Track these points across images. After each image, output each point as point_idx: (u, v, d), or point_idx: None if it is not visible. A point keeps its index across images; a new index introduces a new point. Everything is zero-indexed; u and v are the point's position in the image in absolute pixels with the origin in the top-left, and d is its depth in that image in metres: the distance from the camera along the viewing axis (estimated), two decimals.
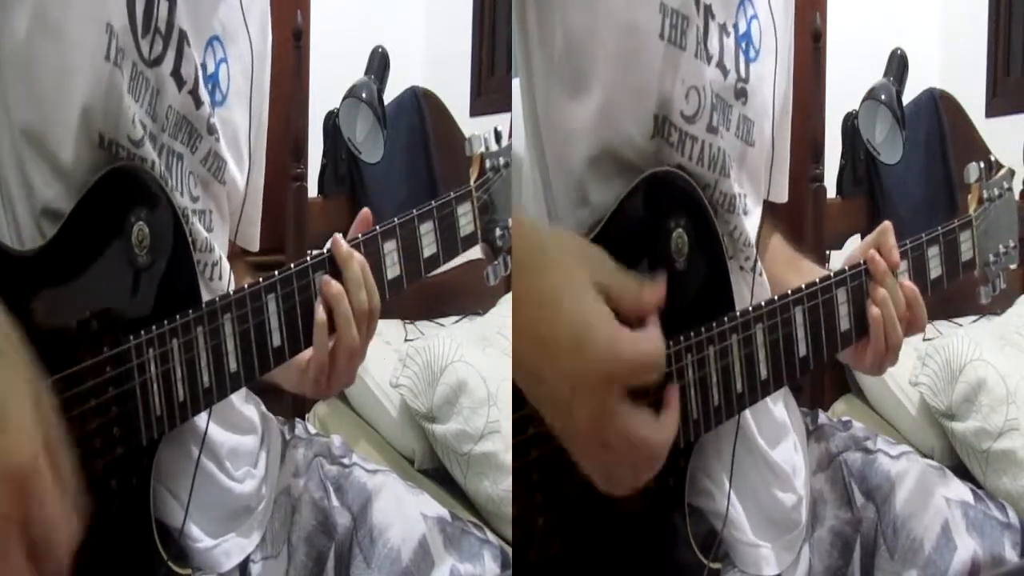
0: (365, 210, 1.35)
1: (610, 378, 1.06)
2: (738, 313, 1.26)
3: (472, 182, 1.47)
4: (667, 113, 1.24)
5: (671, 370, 1.21)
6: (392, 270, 1.36)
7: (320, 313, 1.29)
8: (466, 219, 1.45)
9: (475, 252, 1.50)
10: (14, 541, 0.95)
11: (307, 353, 1.33)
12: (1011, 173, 1.53)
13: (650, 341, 1.09)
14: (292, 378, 1.37)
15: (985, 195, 1.50)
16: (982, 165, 1.51)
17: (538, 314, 1.06)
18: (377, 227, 1.34)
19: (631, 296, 1.09)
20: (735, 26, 1.31)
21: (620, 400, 1.06)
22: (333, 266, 1.30)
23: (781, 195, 1.45)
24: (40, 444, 0.99)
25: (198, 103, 1.30)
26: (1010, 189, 1.53)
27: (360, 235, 1.32)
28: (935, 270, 1.43)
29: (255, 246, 1.47)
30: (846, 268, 1.35)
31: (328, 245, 1.31)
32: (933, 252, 1.43)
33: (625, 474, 1.12)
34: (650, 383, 1.10)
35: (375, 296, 1.32)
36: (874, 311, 1.34)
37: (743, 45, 1.32)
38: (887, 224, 1.39)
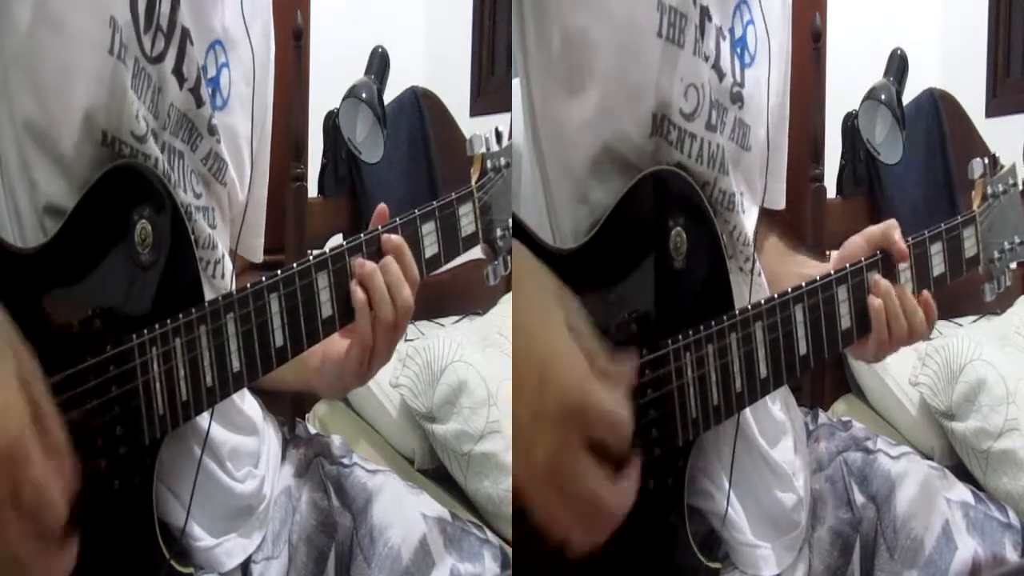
0: (382, 206, 1.35)
1: (573, 419, 1.04)
2: (737, 311, 1.26)
3: (473, 183, 1.47)
4: (666, 111, 1.24)
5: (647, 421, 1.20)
6: None
7: (359, 293, 1.30)
8: (467, 219, 1.45)
9: (475, 252, 1.50)
10: (7, 510, 1.03)
11: (316, 351, 1.34)
12: (1015, 169, 1.53)
13: (621, 406, 1.06)
14: (311, 379, 1.39)
15: (990, 191, 1.50)
16: (986, 161, 1.50)
17: (515, 338, 1.05)
18: (379, 227, 1.34)
19: (605, 358, 1.07)
20: (731, 30, 1.31)
21: (580, 447, 1.04)
22: (369, 251, 1.32)
23: (778, 202, 1.45)
24: (25, 418, 1.02)
25: (199, 102, 1.30)
26: (1015, 185, 1.52)
27: (363, 235, 1.33)
28: (938, 267, 1.43)
29: (258, 257, 1.47)
30: (847, 266, 1.35)
31: (329, 244, 1.32)
32: (936, 249, 1.42)
33: (575, 530, 1.09)
34: (612, 446, 1.08)
35: (412, 268, 1.33)
36: (875, 302, 1.34)
37: (739, 50, 1.32)
38: (893, 225, 1.38)
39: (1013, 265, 1.54)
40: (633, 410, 1.17)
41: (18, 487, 1.05)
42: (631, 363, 1.11)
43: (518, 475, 1.07)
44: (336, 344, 1.35)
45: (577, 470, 1.05)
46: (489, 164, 1.49)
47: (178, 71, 1.27)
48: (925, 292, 1.38)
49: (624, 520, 1.15)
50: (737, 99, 1.31)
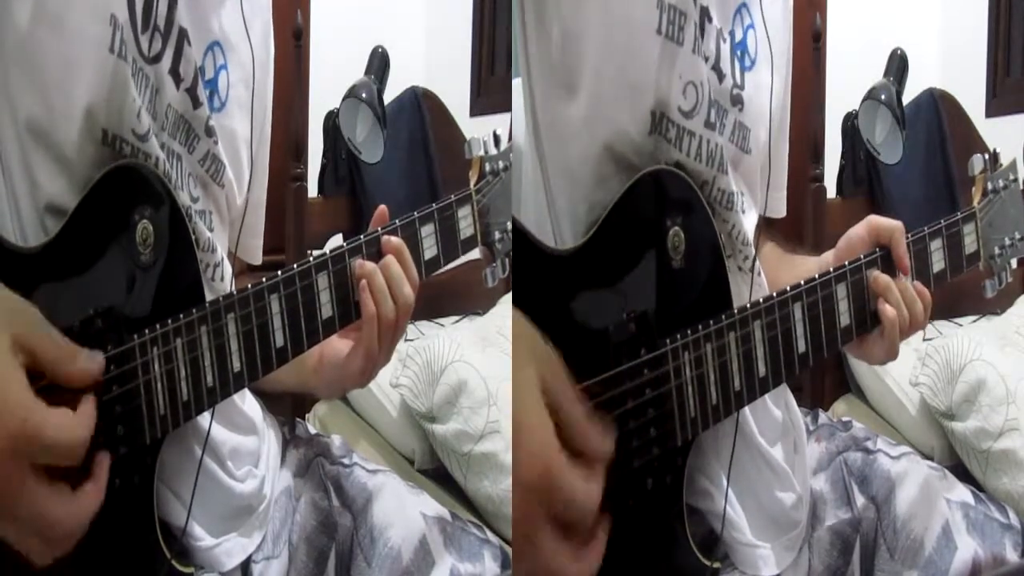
0: (382, 207, 1.36)
1: (535, 493, 1.03)
2: (735, 310, 1.26)
3: (472, 185, 1.47)
4: (664, 109, 1.24)
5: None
6: None
7: (369, 304, 1.30)
8: (466, 222, 1.45)
9: (475, 252, 1.50)
10: (25, 479, 1.04)
11: (313, 351, 1.34)
12: (1016, 164, 1.52)
13: (584, 486, 1.05)
14: (309, 380, 1.40)
15: (990, 187, 1.50)
16: (986, 157, 1.50)
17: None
18: (379, 229, 1.34)
19: (579, 434, 1.06)
20: (731, 33, 1.31)
21: (542, 519, 1.04)
22: (369, 252, 1.32)
23: (779, 210, 1.45)
24: (25, 386, 1.04)
25: (196, 103, 1.30)
26: (1016, 180, 1.51)
27: (362, 236, 1.33)
28: (938, 264, 1.42)
29: (257, 259, 1.48)
30: (846, 263, 1.35)
31: (329, 244, 1.32)
32: (936, 245, 1.42)
33: None
34: (573, 522, 1.06)
35: (412, 269, 1.34)
36: (888, 311, 1.34)
37: (739, 53, 1.32)
38: (900, 229, 1.38)
39: (1014, 263, 1.54)
40: (630, 406, 1.17)
41: (33, 456, 1.05)
42: (608, 440, 1.10)
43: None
44: (334, 345, 1.36)
45: (537, 542, 1.04)
46: (488, 167, 1.49)
47: (175, 71, 1.27)
48: (918, 282, 1.38)
49: (623, 519, 1.15)
50: (737, 101, 1.31)
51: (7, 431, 1.03)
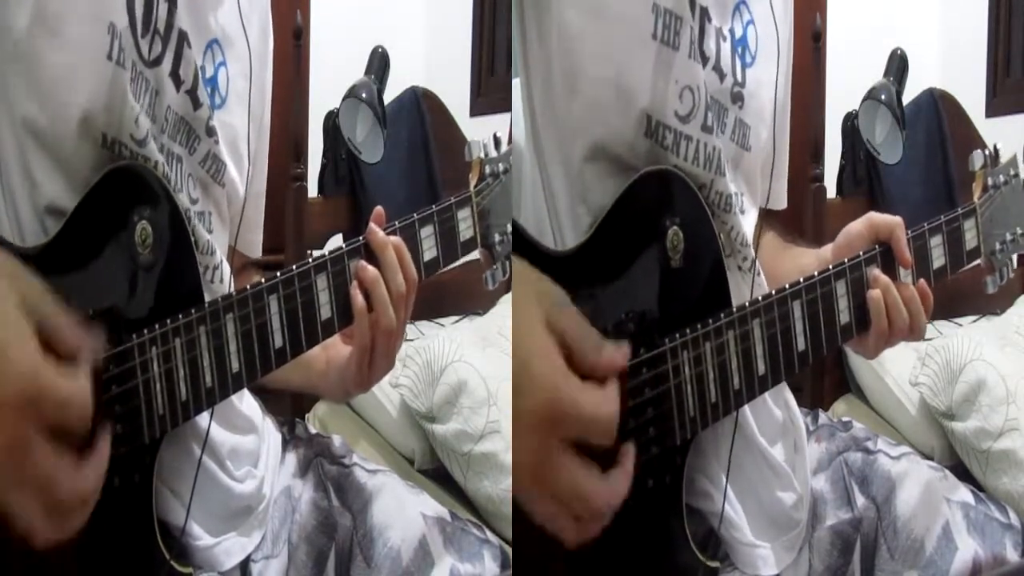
0: (379, 208, 1.35)
1: (549, 420, 1.02)
2: (734, 308, 1.26)
3: (472, 187, 1.47)
4: (660, 112, 1.24)
5: (660, 372, 1.20)
6: None
7: (359, 298, 1.30)
8: (466, 224, 1.45)
9: (475, 252, 1.50)
10: (36, 442, 1.03)
11: (320, 355, 1.34)
12: (1016, 159, 1.52)
13: (600, 403, 1.05)
14: (317, 383, 1.40)
15: (990, 182, 1.49)
16: (987, 153, 1.49)
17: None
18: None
19: (591, 350, 1.06)
20: (731, 31, 1.31)
21: (560, 447, 1.03)
22: (368, 253, 1.32)
23: (780, 202, 1.45)
24: (34, 348, 1.03)
25: (196, 104, 1.30)
26: (1017, 175, 1.51)
27: (362, 238, 1.33)
28: (938, 260, 1.42)
29: (257, 252, 1.47)
30: (845, 260, 1.35)
31: (328, 244, 1.32)
32: (936, 242, 1.41)
33: (564, 527, 1.08)
34: (594, 443, 1.06)
35: (412, 275, 1.33)
36: (874, 293, 1.34)
37: (739, 50, 1.32)
38: (900, 224, 1.37)
39: (1015, 259, 1.53)
40: (629, 406, 1.17)
41: (43, 416, 1.04)
42: (621, 352, 1.10)
43: (513, 472, 1.07)
44: (340, 349, 1.36)
45: (559, 470, 1.04)
46: (488, 169, 1.49)
47: (175, 74, 1.27)
48: (921, 281, 1.37)
49: (622, 519, 1.15)
50: (738, 99, 1.32)
51: (19, 389, 1.02)
